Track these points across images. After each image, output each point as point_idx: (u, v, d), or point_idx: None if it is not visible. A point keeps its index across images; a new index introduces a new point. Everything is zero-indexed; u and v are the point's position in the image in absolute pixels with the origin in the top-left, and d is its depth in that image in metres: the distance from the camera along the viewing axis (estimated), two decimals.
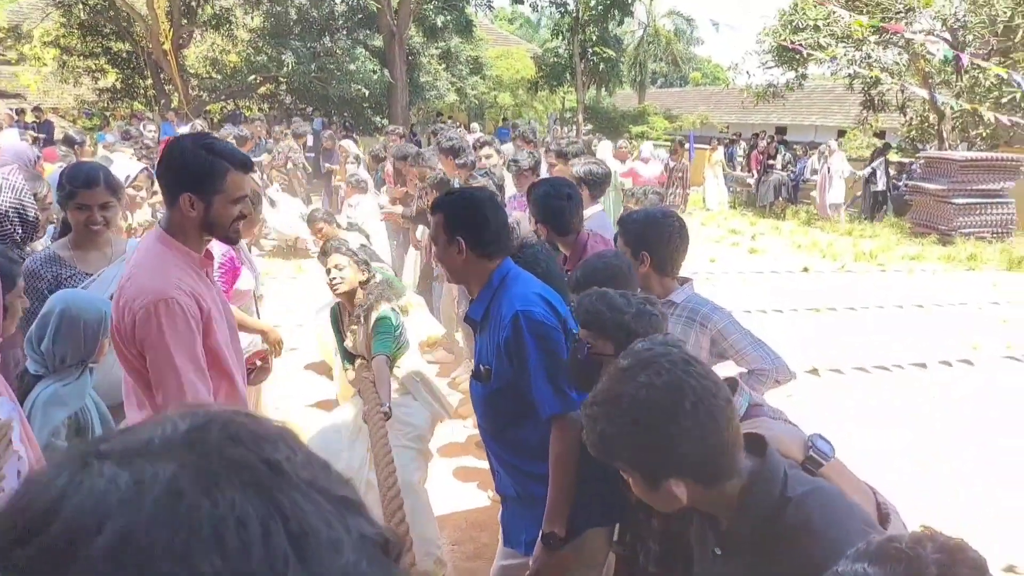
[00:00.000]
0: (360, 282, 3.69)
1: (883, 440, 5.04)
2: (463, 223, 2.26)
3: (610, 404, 1.33)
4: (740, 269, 10.39)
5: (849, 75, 16.96)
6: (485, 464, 4.62)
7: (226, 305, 2.31)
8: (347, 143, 12.05)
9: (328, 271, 3.69)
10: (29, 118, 20.21)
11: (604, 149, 10.84)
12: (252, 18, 23.54)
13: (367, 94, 22.19)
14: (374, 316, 3.58)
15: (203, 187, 2.06)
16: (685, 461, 1.29)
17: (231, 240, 2.24)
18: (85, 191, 2.72)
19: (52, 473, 0.44)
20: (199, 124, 12.21)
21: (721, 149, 17.43)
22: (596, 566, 2.26)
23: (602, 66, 25.59)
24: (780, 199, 15.53)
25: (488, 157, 5.53)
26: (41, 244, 3.11)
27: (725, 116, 31.42)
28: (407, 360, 3.75)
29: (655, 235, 2.56)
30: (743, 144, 19.90)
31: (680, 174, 13.93)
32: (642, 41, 39.08)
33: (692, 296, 2.61)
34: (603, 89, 28.27)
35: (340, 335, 3.90)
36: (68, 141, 7.29)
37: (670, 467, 1.30)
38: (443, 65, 25.58)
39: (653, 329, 1.88)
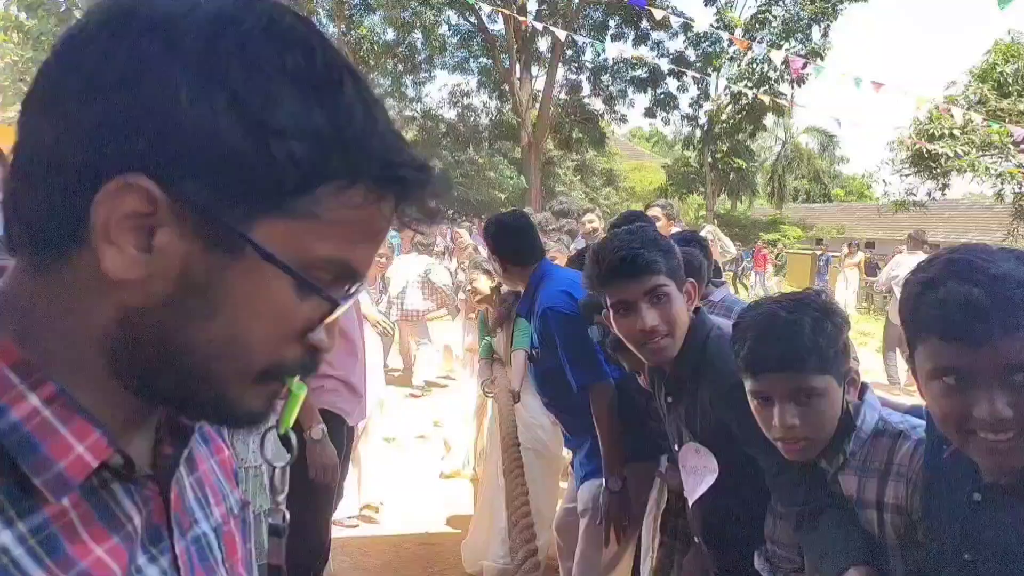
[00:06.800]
0: (491, 288, 4.20)
1: None
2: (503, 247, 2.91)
3: None
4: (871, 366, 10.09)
5: (995, 186, 16.38)
6: None
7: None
8: (463, 231, 12.77)
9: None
10: None
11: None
12: (406, 132, 26.06)
13: (503, 198, 23.79)
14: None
15: None
16: None
17: None
18: None
19: None
20: None
21: (860, 254, 17.01)
22: (641, 496, 2.53)
23: (732, 175, 25.99)
24: None
25: (591, 222, 5.84)
26: None
27: (868, 232, 30.49)
28: None
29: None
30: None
31: None
32: (780, 156, 39.18)
33: (728, 295, 3.02)
34: (737, 199, 28.57)
35: (484, 335, 4.25)
36: None
37: None
38: (578, 176, 26.99)
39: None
